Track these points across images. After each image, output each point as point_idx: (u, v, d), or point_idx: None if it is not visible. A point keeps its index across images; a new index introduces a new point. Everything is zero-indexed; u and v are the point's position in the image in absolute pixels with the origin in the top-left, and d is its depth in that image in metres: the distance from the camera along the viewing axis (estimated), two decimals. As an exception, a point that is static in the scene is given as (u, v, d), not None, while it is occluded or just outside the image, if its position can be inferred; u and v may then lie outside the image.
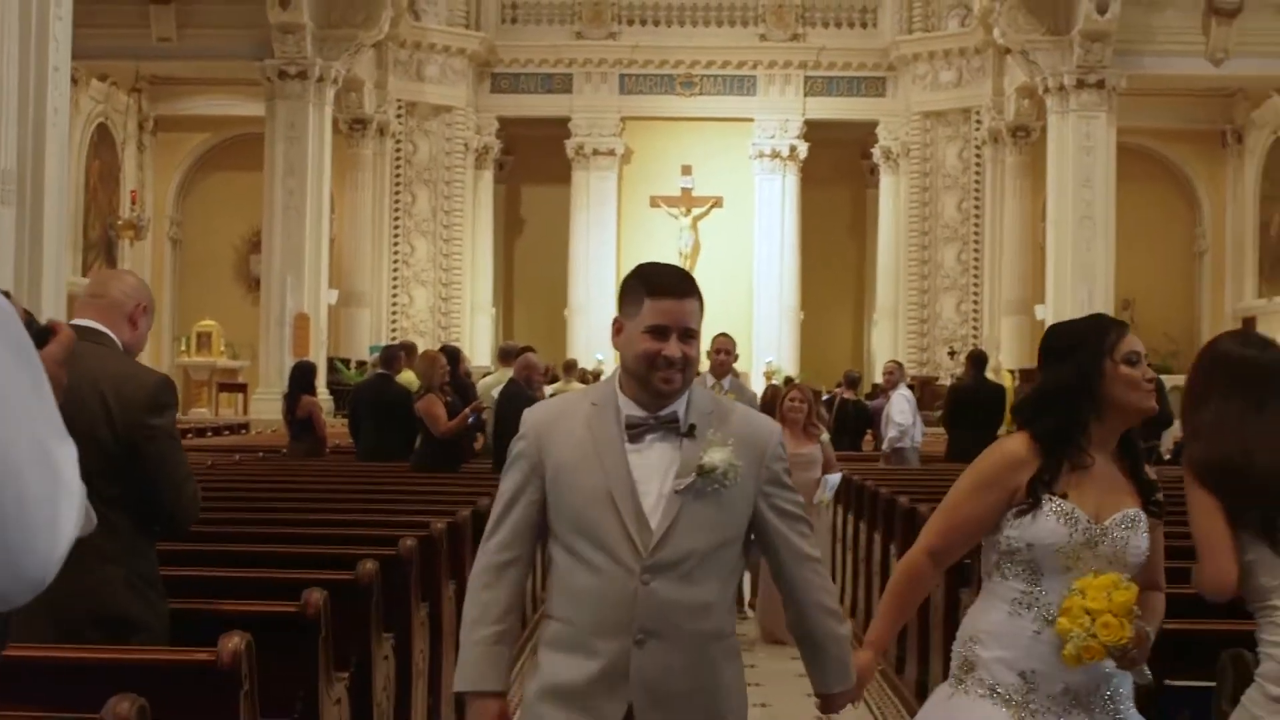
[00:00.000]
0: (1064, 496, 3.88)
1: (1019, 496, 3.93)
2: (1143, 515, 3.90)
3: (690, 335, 3.67)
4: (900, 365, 19.01)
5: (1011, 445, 4.05)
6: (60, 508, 2.01)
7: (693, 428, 3.66)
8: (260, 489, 10.02)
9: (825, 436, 11.18)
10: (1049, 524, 3.86)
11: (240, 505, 8.60)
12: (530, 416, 3.80)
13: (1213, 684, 4.73)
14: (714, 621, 3.64)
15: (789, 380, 21.88)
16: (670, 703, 3.59)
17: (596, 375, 23.22)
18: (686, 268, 32.72)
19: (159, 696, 3.57)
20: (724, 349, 11.36)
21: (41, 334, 2.39)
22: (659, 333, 3.63)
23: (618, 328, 3.75)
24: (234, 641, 4.09)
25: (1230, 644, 4.63)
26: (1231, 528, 4.00)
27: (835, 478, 11.22)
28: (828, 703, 3.91)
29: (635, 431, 3.65)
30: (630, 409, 3.69)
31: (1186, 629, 5.04)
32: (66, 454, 2.07)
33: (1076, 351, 4.00)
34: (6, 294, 2.16)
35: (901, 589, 4.17)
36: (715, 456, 3.58)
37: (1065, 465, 3.93)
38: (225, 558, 6.41)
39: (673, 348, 3.61)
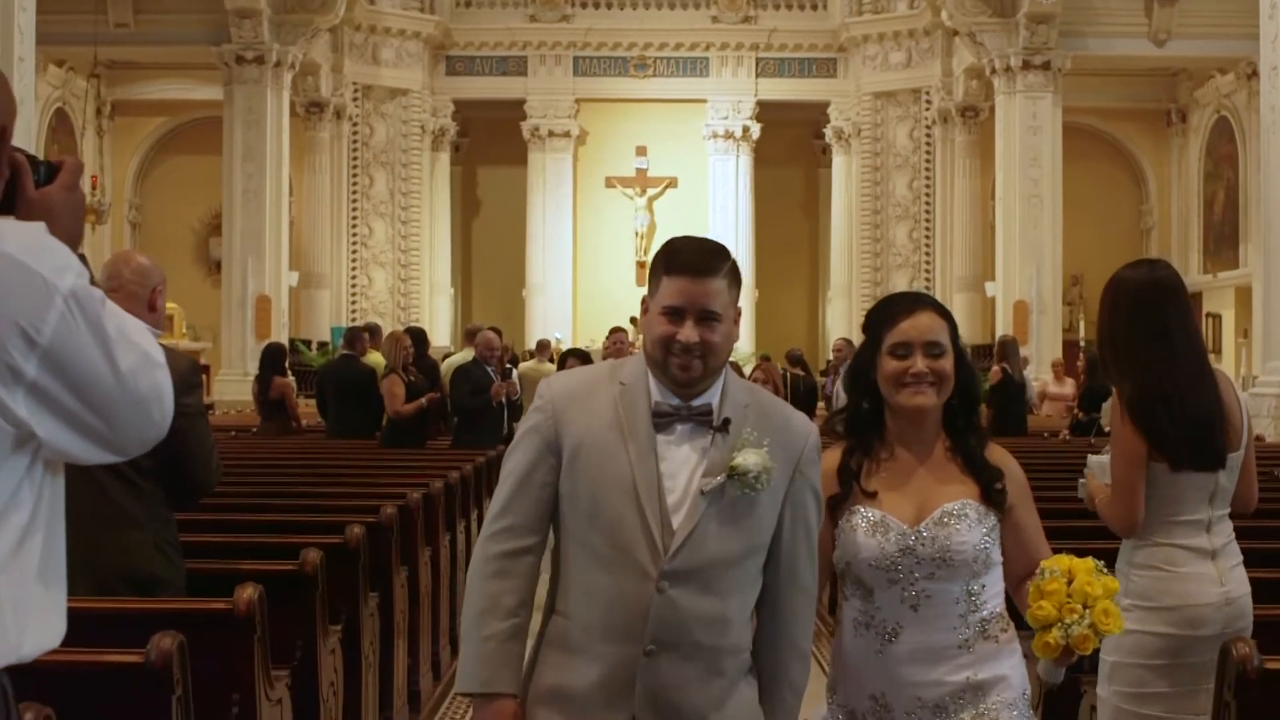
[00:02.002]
0: (873, 496, 3.70)
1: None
2: (971, 506, 3.67)
3: (711, 318, 3.33)
4: (849, 342, 19.41)
5: (826, 460, 3.73)
6: (164, 383, 2.60)
7: (726, 422, 3.35)
8: (247, 465, 10.41)
9: None
10: (859, 538, 3.66)
11: (235, 480, 8.98)
12: (549, 387, 3.48)
13: None
14: (732, 637, 3.34)
15: (765, 358, 22.27)
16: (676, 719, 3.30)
17: (565, 357, 23.51)
18: (641, 248, 32.95)
19: (185, 641, 3.99)
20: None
21: (50, 169, 2.67)
22: (674, 314, 3.33)
23: (644, 307, 3.46)
24: (248, 592, 4.54)
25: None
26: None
27: None
28: None
29: (664, 420, 3.35)
30: (660, 394, 3.38)
31: None
32: (150, 340, 2.59)
33: (866, 336, 3.83)
34: (83, 257, 2.58)
35: None
36: (750, 459, 3.28)
37: (866, 464, 3.76)
38: (227, 525, 6.89)
39: (688, 332, 3.30)
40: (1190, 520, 4.58)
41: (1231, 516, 4.80)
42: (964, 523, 3.63)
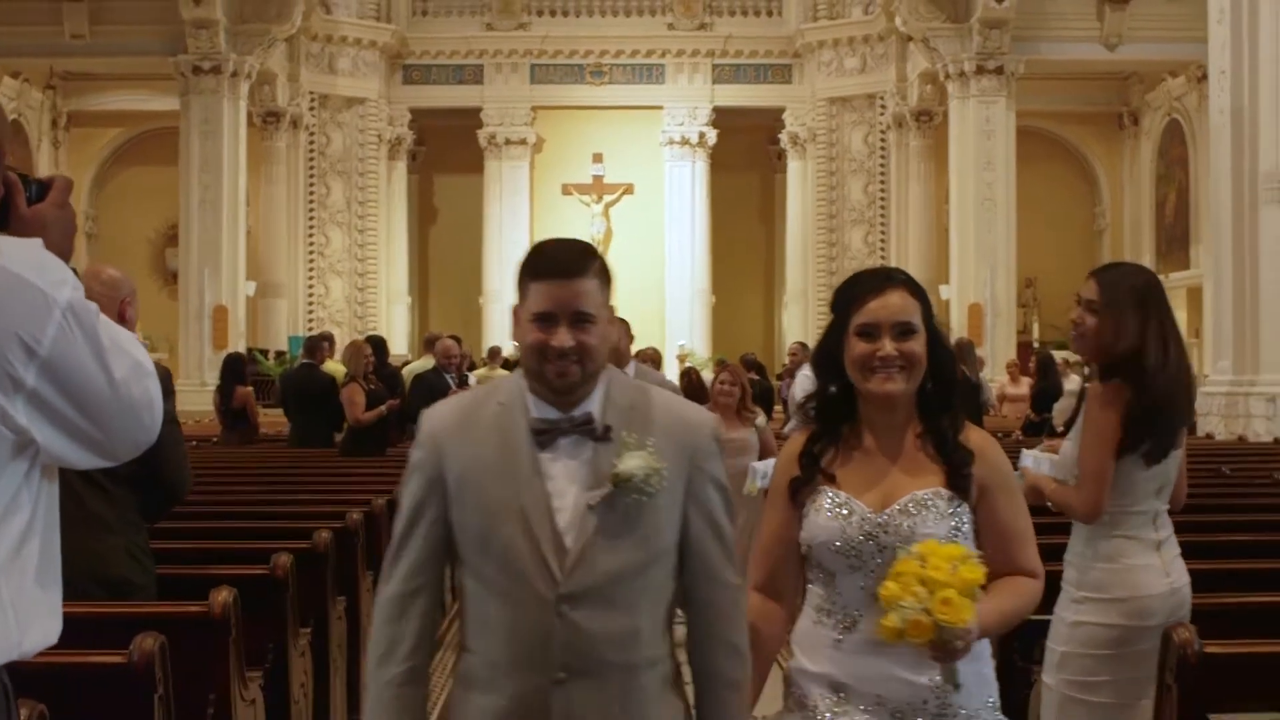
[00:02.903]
0: (834, 480, 3.51)
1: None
2: (941, 496, 3.45)
3: (585, 320, 3.16)
4: (805, 346, 19.56)
5: (790, 444, 3.67)
6: (154, 391, 2.75)
7: (608, 429, 3.18)
8: (213, 474, 10.50)
9: (762, 420, 10.36)
10: (821, 519, 3.47)
11: (202, 488, 9.06)
12: (427, 420, 3.30)
13: (1272, 716, 4.39)
14: (645, 650, 3.18)
15: (721, 362, 22.33)
16: None
17: (516, 363, 23.63)
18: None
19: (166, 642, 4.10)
20: (620, 335, 9.78)
21: (41, 187, 2.78)
22: (545, 320, 3.15)
23: (515, 317, 3.27)
24: (223, 595, 4.66)
25: None
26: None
27: (766, 465, 9.50)
28: None
29: (544, 438, 3.17)
30: (538, 409, 3.20)
31: (1234, 653, 4.46)
32: (140, 351, 2.75)
33: (834, 316, 3.61)
34: (75, 270, 2.70)
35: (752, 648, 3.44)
36: (631, 463, 3.11)
37: (832, 449, 3.56)
38: (197, 532, 7.01)
39: (562, 336, 3.13)
40: (1140, 512, 4.72)
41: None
42: (931, 513, 3.40)
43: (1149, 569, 4.67)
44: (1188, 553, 4.97)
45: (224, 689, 4.83)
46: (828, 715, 3.43)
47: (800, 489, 3.53)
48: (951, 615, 3.09)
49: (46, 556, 2.68)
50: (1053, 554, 4.23)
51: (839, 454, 3.54)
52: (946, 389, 3.55)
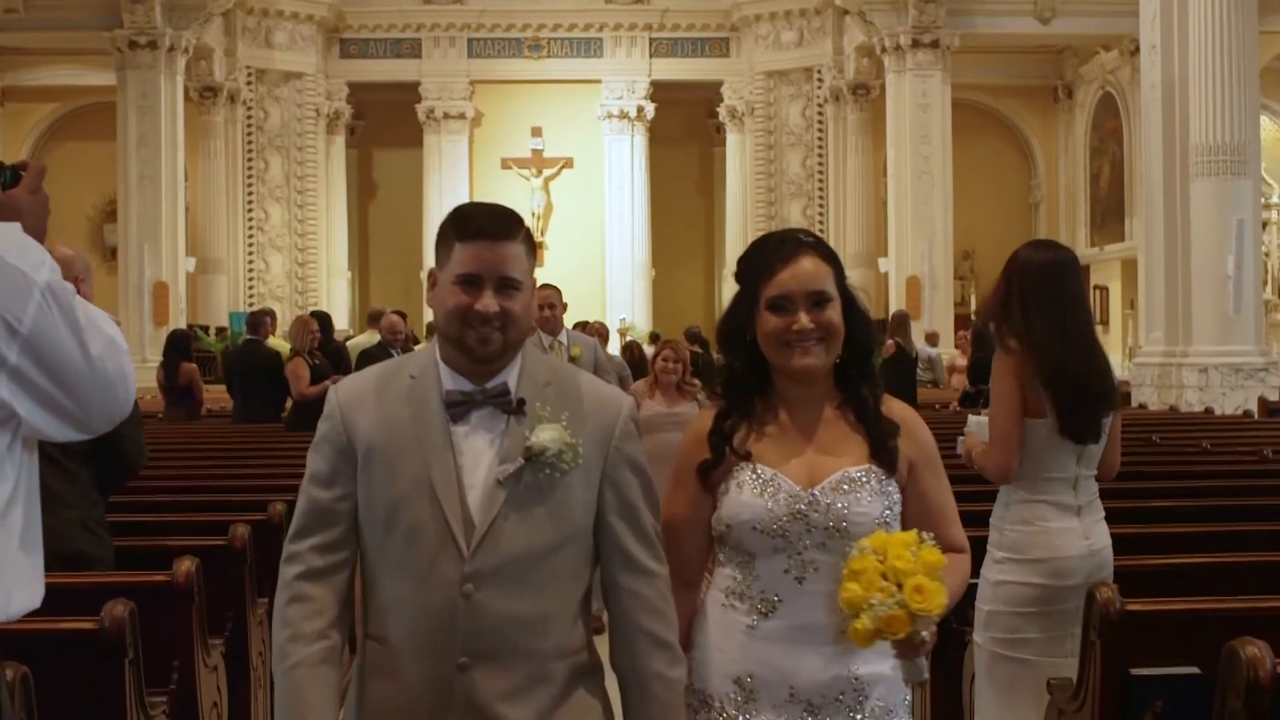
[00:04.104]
0: (748, 459, 3.31)
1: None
2: (874, 474, 3.28)
3: (511, 286, 3.06)
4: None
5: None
6: (127, 366, 2.90)
7: (522, 402, 3.07)
8: (162, 449, 10.57)
9: (702, 395, 9.94)
10: (745, 497, 3.26)
11: (153, 464, 9.16)
12: (337, 392, 3.17)
13: (1191, 670, 4.35)
14: (556, 637, 3.04)
15: (654, 335, 22.48)
16: None
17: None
18: (539, 228, 33.04)
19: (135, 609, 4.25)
20: (548, 302, 10.13)
21: (14, 173, 2.95)
22: (470, 283, 3.04)
23: (432, 281, 3.16)
24: (186, 564, 4.80)
25: (1208, 626, 4.33)
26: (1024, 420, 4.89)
27: None
28: None
29: (458, 410, 3.06)
30: (452, 381, 3.09)
31: (1154, 610, 4.55)
32: (114, 328, 2.90)
33: (740, 287, 3.41)
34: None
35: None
36: (544, 436, 3.00)
37: (744, 425, 3.36)
38: (152, 506, 7.14)
39: (487, 300, 3.02)
40: (1059, 478, 4.97)
41: (1097, 480, 5.20)
42: (865, 490, 3.23)
43: (1067, 531, 4.93)
44: (1117, 518, 5.23)
45: (188, 656, 4.94)
46: (731, 712, 3.25)
47: (711, 471, 3.33)
48: (927, 602, 2.95)
49: (29, 525, 2.85)
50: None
51: (751, 430, 3.34)
52: (864, 356, 3.38)
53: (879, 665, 3.21)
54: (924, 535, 3.04)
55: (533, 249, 3.15)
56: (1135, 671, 4.31)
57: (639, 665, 3.12)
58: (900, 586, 2.96)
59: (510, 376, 3.10)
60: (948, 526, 3.36)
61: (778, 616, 3.22)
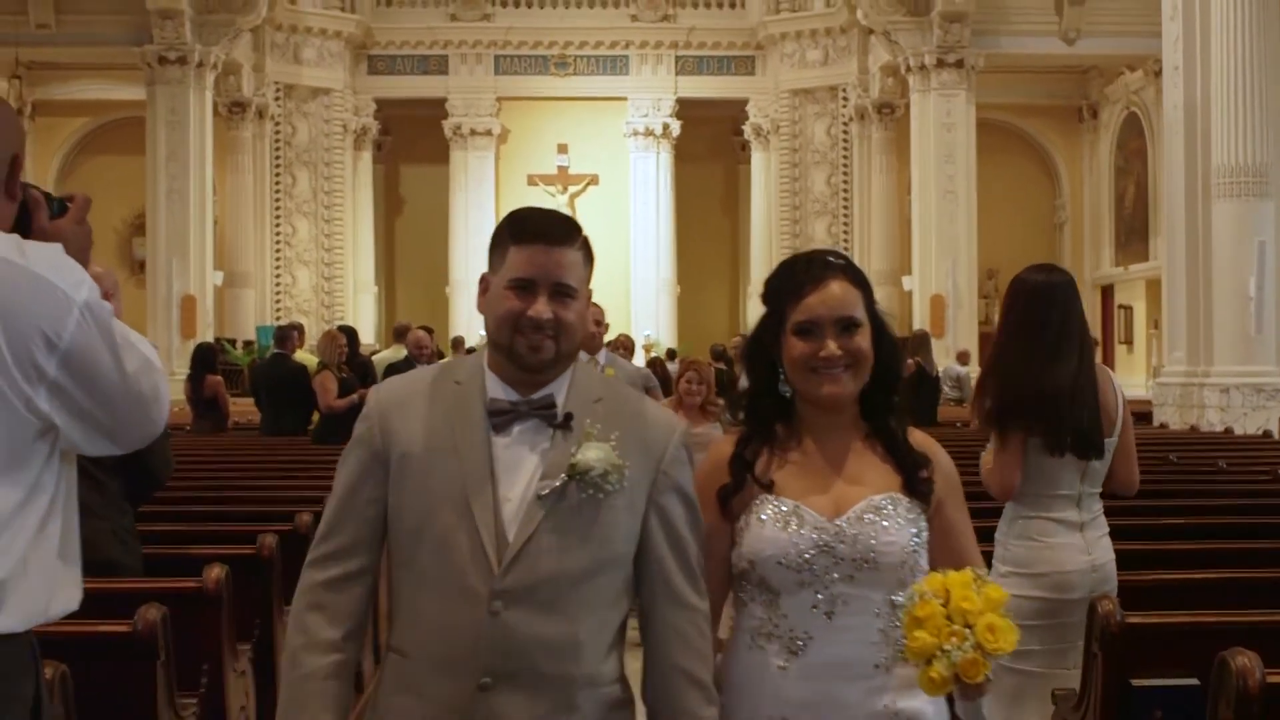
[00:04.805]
0: (771, 488, 3.16)
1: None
2: (901, 502, 3.14)
3: (566, 293, 2.94)
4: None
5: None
6: (162, 387, 3.03)
7: (569, 417, 2.93)
8: (190, 461, 10.74)
9: (726, 416, 9.42)
10: (766, 532, 3.12)
11: (182, 475, 9.33)
12: (376, 394, 3.08)
13: (1188, 681, 4.44)
14: (586, 665, 2.89)
15: (670, 352, 22.59)
16: None
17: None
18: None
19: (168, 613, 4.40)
20: (593, 319, 9.57)
21: (61, 204, 3.08)
22: (523, 288, 2.92)
23: (483, 286, 3.03)
24: (216, 571, 4.95)
25: (1206, 638, 4.29)
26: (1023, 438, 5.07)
27: None
28: None
29: (501, 419, 2.93)
30: (498, 390, 2.96)
31: (1154, 623, 4.67)
32: (150, 349, 3.04)
33: (767, 310, 3.29)
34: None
35: None
36: (590, 454, 2.87)
37: (768, 453, 3.23)
38: (182, 516, 7.32)
39: (541, 307, 2.89)
40: (1063, 495, 5.12)
41: (1115, 497, 5.35)
42: (892, 520, 3.09)
43: (1069, 547, 5.06)
44: (1128, 534, 5.37)
45: (217, 660, 5.08)
46: None
47: (730, 498, 3.19)
48: (1001, 641, 2.80)
49: (68, 533, 3.02)
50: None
51: (774, 458, 3.21)
52: (892, 384, 3.24)
53: (916, 701, 3.06)
54: (978, 572, 2.90)
55: (590, 257, 3.04)
56: (1136, 682, 4.44)
57: (671, 703, 2.98)
58: (971, 628, 2.80)
59: (559, 389, 2.98)
60: (970, 553, 3.24)
61: (809, 654, 3.07)
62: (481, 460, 2.89)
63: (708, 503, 3.17)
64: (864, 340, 3.15)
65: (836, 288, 3.16)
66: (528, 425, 2.93)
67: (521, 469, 2.90)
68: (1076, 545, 5.08)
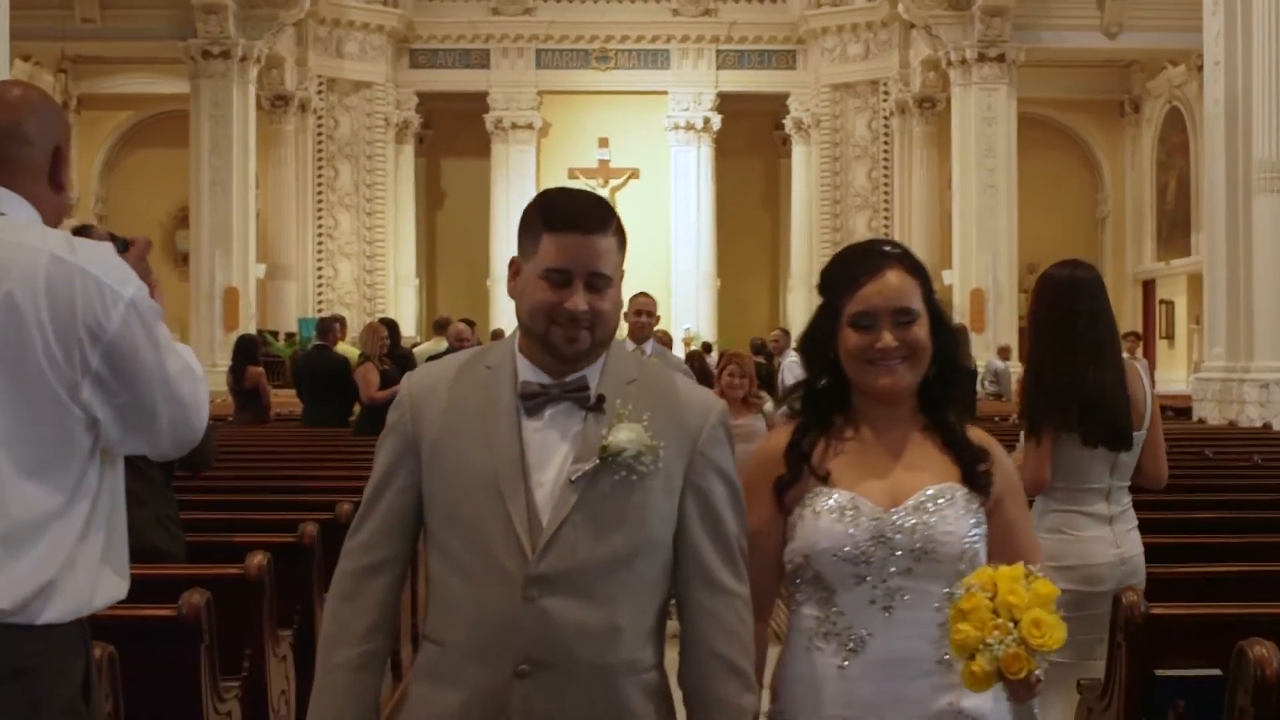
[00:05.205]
0: (828, 478, 3.08)
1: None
2: (958, 491, 3.06)
3: (602, 282, 2.86)
4: (786, 333, 20.18)
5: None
6: (202, 395, 3.16)
7: (601, 399, 2.87)
8: (232, 452, 10.88)
9: (769, 405, 10.06)
10: (822, 524, 3.03)
11: (225, 465, 9.46)
12: (409, 381, 3.04)
13: (1213, 672, 4.39)
14: (624, 653, 2.84)
15: (706, 346, 22.64)
16: None
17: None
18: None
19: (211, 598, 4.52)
20: (645, 309, 9.97)
21: (123, 243, 3.26)
22: (559, 278, 2.84)
23: (514, 269, 2.96)
24: (258, 558, 5.07)
25: (1229, 629, 4.32)
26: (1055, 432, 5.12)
27: None
28: None
29: (533, 403, 2.87)
30: (530, 374, 2.90)
31: (1177, 614, 4.72)
32: (194, 359, 3.17)
33: (822, 301, 3.21)
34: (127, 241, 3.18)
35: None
36: (622, 435, 2.80)
37: (824, 443, 3.14)
38: (224, 504, 7.45)
39: (578, 299, 2.82)
40: (1093, 489, 5.19)
41: (1143, 490, 5.42)
42: (951, 509, 3.02)
43: (1098, 540, 5.13)
44: (1159, 528, 5.43)
45: (259, 645, 5.21)
46: None
47: (787, 490, 3.10)
48: (1047, 638, 2.70)
49: (114, 527, 3.15)
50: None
51: (830, 447, 3.12)
52: (952, 376, 3.17)
53: (980, 699, 2.95)
54: (1032, 568, 2.78)
55: (624, 241, 2.95)
56: (1159, 672, 4.51)
57: (707, 689, 2.90)
58: (1016, 623, 2.71)
59: (593, 371, 2.91)
60: (1031, 552, 3.11)
61: (869, 652, 2.98)
62: (512, 445, 2.84)
63: (762, 495, 3.11)
64: (921, 331, 3.07)
65: (893, 277, 3.07)
66: (560, 408, 2.87)
67: (554, 453, 2.84)
68: (1106, 538, 5.16)
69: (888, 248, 3.16)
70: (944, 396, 3.15)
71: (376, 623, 2.92)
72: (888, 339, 3.02)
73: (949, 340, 3.14)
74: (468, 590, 2.82)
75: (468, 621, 2.82)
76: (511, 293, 2.96)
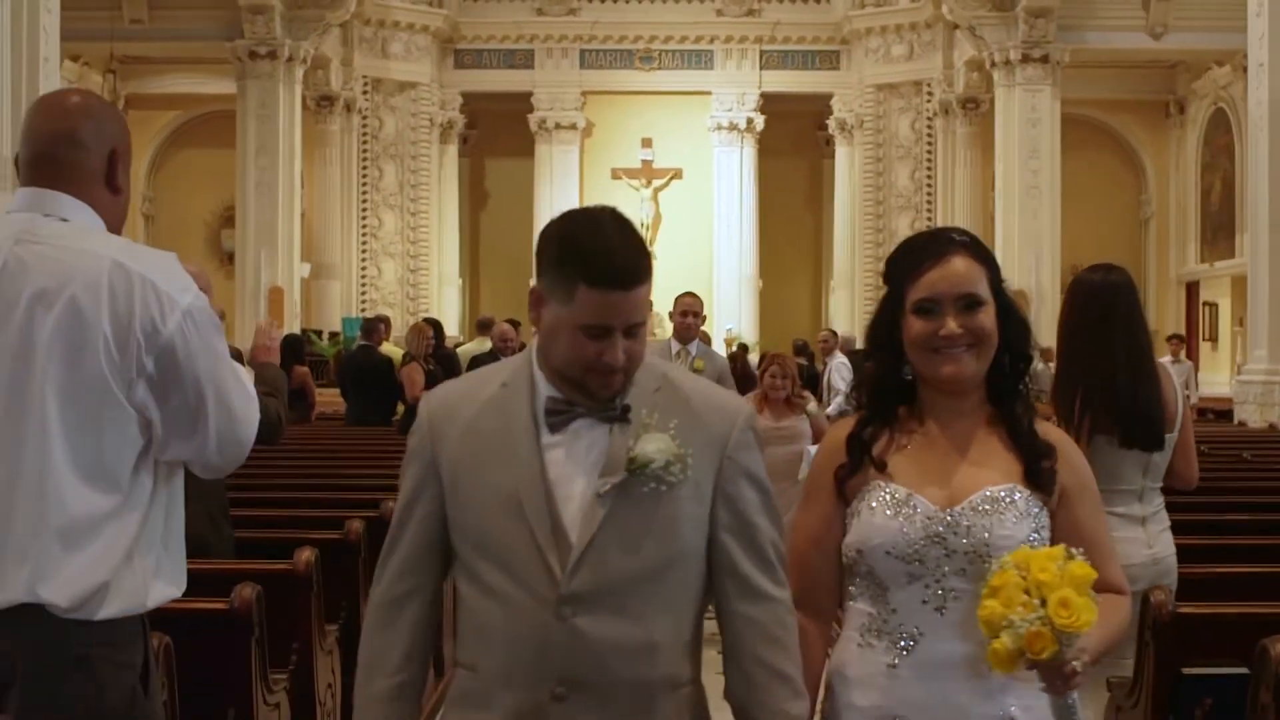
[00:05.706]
0: (888, 470, 3.04)
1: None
2: (1020, 493, 2.98)
3: (639, 329, 2.79)
4: (835, 334, 20.06)
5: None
6: (253, 413, 3.31)
7: (627, 409, 2.80)
8: (278, 450, 11.02)
9: (813, 406, 10.11)
10: (877, 519, 2.99)
11: (271, 463, 9.60)
12: (426, 403, 2.98)
13: (1239, 670, 4.40)
14: (664, 667, 2.79)
15: (743, 347, 22.68)
16: None
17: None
18: (648, 239, 33.46)
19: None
20: (691, 310, 10.04)
21: None
22: (599, 332, 2.74)
23: (535, 299, 2.85)
24: (307, 554, 5.20)
25: (1255, 629, 4.34)
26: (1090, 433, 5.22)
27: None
28: None
29: (558, 419, 2.81)
30: (550, 389, 2.83)
31: (1204, 613, 4.82)
32: (248, 378, 3.36)
33: (888, 289, 3.17)
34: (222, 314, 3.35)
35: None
36: (649, 445, 2.74)
37: (887, 435, 3.10)
38: (272, 502, 7.60)
39: (616, 353, 2.75)
40: (1126, 490, 5.27)
41: (1175, 491, 5.50)
42: (1011, 512, 2.94)
43: (1132, 540, 5.20)
44: (1193, 529, 5.51)
45: (307, 639, 5.34)
46: None
47: (847, 481, 3.07)
48: (1073, 619, 2.63)
49: (171, 531, 3.29)
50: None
51: (893, 441, 3.08)
52: (1020, 367, 3.09)
53: (1036, 703, 2.91)
54: (1074, 551, 2.73)
55: (651, 271, 2.86)
56: (1186, 671, 4.59)
57: (756, 699, 2.84)
58: (1044, 602, 2.65)
59: None
60: (1105, 562, 2.98)
61: (920, 652, 2.94)
62: (532, 463, 2.79)
63: (824, 486, 3.09)
64: (987, 319, 3.00)
65: (959, 263, 3.02)
66: (583, 422, 2.81)
67: (578, 468, 2.78)
68: (1139, 539, 5.23)
69: (955, 234, 3.11)
70: (1012, 388, 3.09)
71: (410, 652, 2.90)
72: (951, 325, 2.97)
73: (1018, 330, 3.08)
74: (498, 612, 2.78)
75: (500, 644, 2.78)
76: (534, 323, 2.87)
